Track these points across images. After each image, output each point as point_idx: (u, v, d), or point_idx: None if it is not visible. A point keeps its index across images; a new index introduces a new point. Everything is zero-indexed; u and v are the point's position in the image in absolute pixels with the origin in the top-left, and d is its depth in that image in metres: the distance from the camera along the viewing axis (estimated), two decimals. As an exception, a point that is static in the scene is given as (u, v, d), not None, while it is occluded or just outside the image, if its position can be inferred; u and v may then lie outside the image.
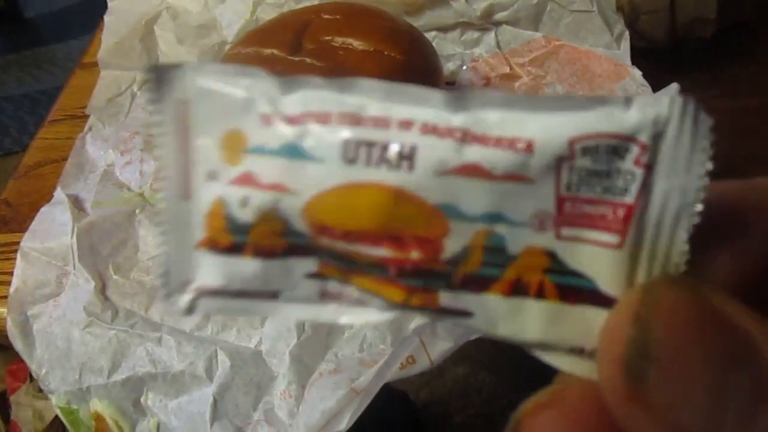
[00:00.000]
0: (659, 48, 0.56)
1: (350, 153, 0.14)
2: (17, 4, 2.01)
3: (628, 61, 0.47)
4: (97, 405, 0.38)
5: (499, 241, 0.14)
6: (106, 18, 0.58)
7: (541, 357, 0.15)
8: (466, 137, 0.14)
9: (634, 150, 0.13)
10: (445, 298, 0.15)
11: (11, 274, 0.42)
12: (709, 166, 0.13)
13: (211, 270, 0.16)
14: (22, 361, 0.94)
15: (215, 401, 0.37)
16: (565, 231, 0.14)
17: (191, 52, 0.58)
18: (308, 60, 0.41)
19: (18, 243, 0.43)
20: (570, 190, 0.14)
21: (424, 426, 0.98)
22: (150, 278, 0.41)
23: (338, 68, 0.40)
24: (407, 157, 0.14)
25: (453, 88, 0.53)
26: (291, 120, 0.15)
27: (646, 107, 0.13)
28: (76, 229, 0.42)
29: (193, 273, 0.16)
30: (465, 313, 0.15)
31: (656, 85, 0.45)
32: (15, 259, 0.42)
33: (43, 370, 0.39)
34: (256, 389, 0.37)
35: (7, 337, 0.41)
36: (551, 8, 0.54)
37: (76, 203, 0.45)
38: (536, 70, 0.51)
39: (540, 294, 0.14)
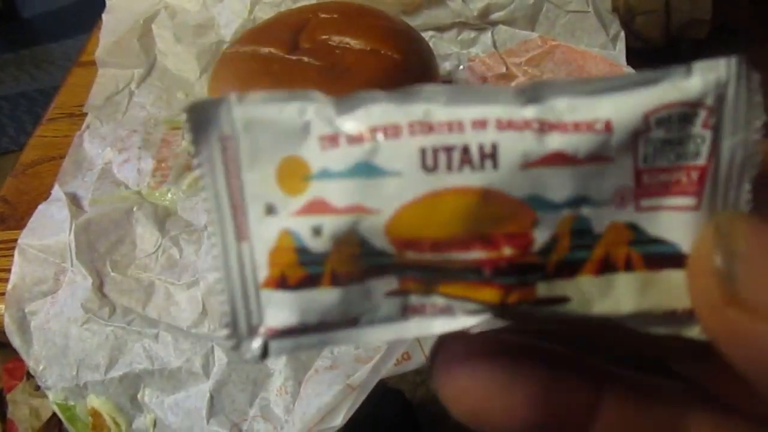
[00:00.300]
0: (655, 48, 0.57)
1: (429, 161, 0.14)
2: (15, 4, 2.01)
3: (623, 61, 0.47)
4: (94, 401, 0.39)
5: (584, 223, 0.15)
6: (104, 16, 0.59)
7: (637, 328, 0.15)
8: (544, 126, 0.14)
9: (702, 114, 0.14)
10: (542, 289, 0.15)
11: (9, 271, 0.42)
12: (764, 118, 0.14)
13: (282, 308, 0.15)
14: (18, 359, 0.94)
15: (212, 397, 0.37)
16: (644, 202, 0.15)
17: (189, 51, 0.58)
18: (305, 59, 0.41)
19: (16, 240, 0.43)
20: (647, 162, 0.14)
21: (421, 425, 0.99)
22: (147, 275, 0.42)
23: (335, 67, 0.41)
24: (490, 155, 0.14)
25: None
26: (356, 138, 0.14)
27: (706, 72, 0.14)
28: (73, 226, 0.42)
29: (261, 315, 0.15)
30: (561, 300, 0.15)
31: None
32: (13, 256, 0.42)
33: (41, 367, 0.39)
34: (253, 385, 0.38)
35: (4, 334, 0.41)
36: (547, 8, 0.54)
37: (74, 201, 0.45)
38: (532, 70, 0.52)
39: (628, 266, 0.15)
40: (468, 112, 0.14)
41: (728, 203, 0.15)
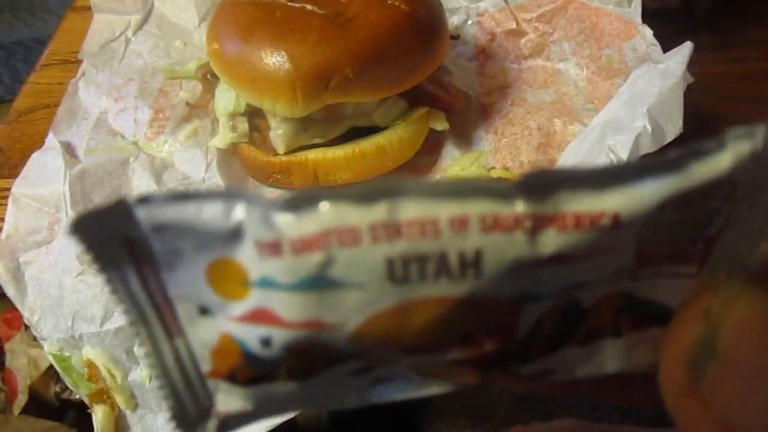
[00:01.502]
0: (670, 9, 0.55)
1: (398, 272, 0.11)
2: (9, -53, 1.94)
3: (638, 19, 0.45)
4: (90, 352, 0.38)
5: (574, 303, 0.13)
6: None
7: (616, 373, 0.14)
8: (538, 224, 0.11)
9: (724, 189, 0.12)
10: (525, 370, 0.14)
11: (2, 220, 0.41)
12: None
13: (233, 396, 0.13)
14: (16, 309, 0.94)
15: (208, 352, 0.37)
16: (642, 272, 0.13)
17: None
18: (308, 7, 0.40)
19: (9, 189, 0.42)
20: (651, 241, 0.12)
21: (417, 415, 0.99)
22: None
23: (339, 16, 0.39)
24: (472, 263, 0.11)
25: (457, 42, 0.52)
26: (303, 246, 0.11)
27: (739, 145, 0.12)
28: (68, 176, 0.41)
29: (210, 399, 0.14)
30: (544, 373, 0.14)
31: (668, 48, 0.44)
32: (6, 204, 0.42)
33: (36, 317, 0.39)
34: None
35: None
36: (562, -38, 0.52)
37: (69, 150, 0.44)
38: (543, 26, 0.50)
39: (616, 332, 0.13)
40: (445, 208, 0.11)
41: (734, 268, 0.12)
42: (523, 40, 0.50)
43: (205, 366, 0.13)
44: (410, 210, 0.11)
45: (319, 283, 0.12)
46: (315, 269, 0.11)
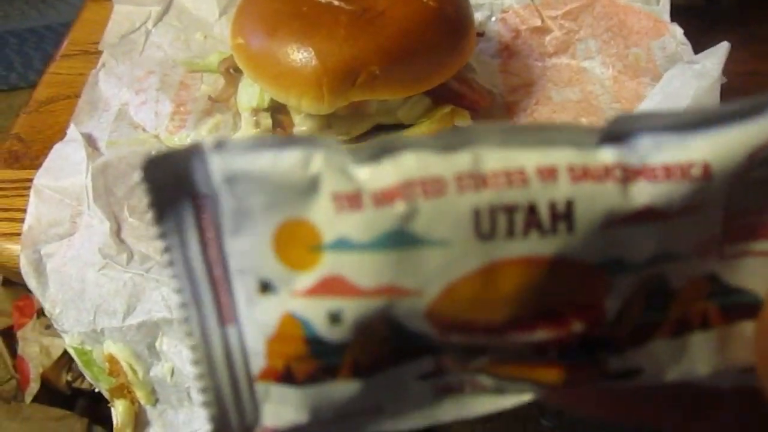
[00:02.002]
0: (697, 4, 0.54)
1: (485, 226, 0.11)
2: (22, -67, 1.94)
3: (667, 17, 0.45)
4: (111, 347, 0.38)
5: (662, 282, 0.12)
6: (120, -51, 0.56)
7: (708, 383, 0.13)
8: (628, 174, 0.11)
9: None
10: (613, 364, 0.12)
11: (24, 210, 0.41)
12: None
13: (285, 405, 0.12)
14: (28, 297, 0.95)
15: (231, 349, 0.37)
16: (729, 249, 0.12)
17: (209, -11, 0.55)
18: (336, 2, 0.39)
19: (30, 180, 0.42)
20: (738, 205, 0.12)
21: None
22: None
23: (367, 12, 0.39)
24: (564, 215, 0.11)
25: (480, 39, 0.51)
26: (386, 197, 0.11)
27: None
28: (90, 168, 0.41)
29: (256, 413, 0.12)
30: (633, 372, 0.13)
31: (695, 45, 0.43)
32: (27, 196, 0.41)
33: (57, 310, 0.39)
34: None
35: (17, 274, 0.40)
36: (588, -41, 0.51)
37: (90, 142, 0.44)
38: (569, 23, 0.49)
39: (704, 323, 0.13)
40: (530, 157, 0.11)
41: None
42: (547, 38, 0.50)
43: (257, 363, 0.12)
44: (495, 160, 0.11)
45: (399, 239, 0.11)
46: (397, 222, 0.11)
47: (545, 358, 0.12)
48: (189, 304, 0.12)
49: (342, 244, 0.11)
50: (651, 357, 0.13)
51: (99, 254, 0.39)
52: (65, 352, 0.93)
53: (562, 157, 0.11)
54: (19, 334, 0.94)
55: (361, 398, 0.12)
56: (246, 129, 0.42)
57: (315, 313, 0.11)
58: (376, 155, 0.11)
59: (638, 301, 0.12)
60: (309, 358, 0.12)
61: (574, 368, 0.12)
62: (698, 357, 0.13)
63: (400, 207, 0.11)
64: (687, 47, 0.43)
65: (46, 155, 0.43)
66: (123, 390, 0.39)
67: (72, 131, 0.44)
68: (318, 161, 0.11)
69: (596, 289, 0.12)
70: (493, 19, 0.52)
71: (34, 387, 0.90)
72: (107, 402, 0.41)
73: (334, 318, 0.11)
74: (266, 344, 0.12)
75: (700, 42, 0.43)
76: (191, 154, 0.11)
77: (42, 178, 0.41)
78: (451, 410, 0.13)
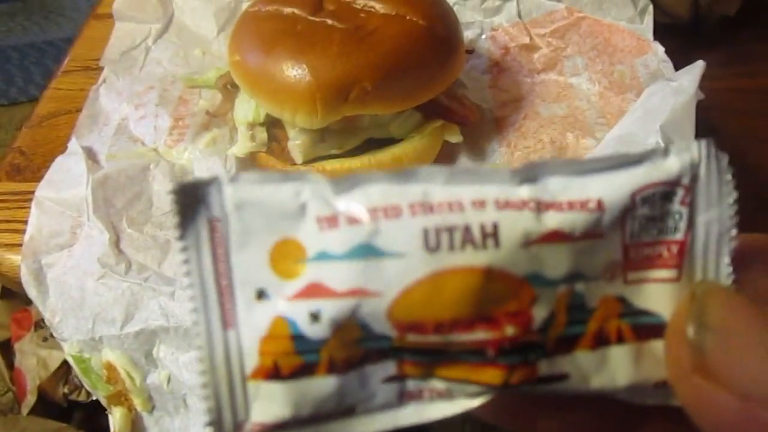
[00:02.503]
0: (682, 24, 0.56)
1: (432, 241, 0.14)
2: (24, -49, 1.97)
3: (650, 36, 0.46)
4: (109, 355, 0.39)
5: (578, 298, 0.15)
6: (121, -32, 0.57)
7: (628, 400, 0.16)
8: (540, 206, 0.14)
9: (680, 192, 0.15)
10: (544, 367, 0.15)
11: (25, 222, 0.42)
12: (735, 195, 0.15)
13: (271, 401, 0.14)
14: (26, 309, 0.95)
15: (226, 356, 0.38)
16: (631, 275, 0.15)
17: (207, 8, 0.57)
18: (329, 21, 0.41)
19: (32, 192, 0.43)
20: (633, 238, 0.15)
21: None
22: (163, 233, 0.42)
23: (359, 30, 0.40)
24: (491, 234, 0.14)
25: (471, 56, 0.52)
26: (356, 219, 0.14)
27: (682, 153, 0.15)
28: (90, 180, 0.42)
29: (247, 410, 0.14)
30: (561, 377, 0.15)
31: (678, 63, 0.45)
32: (29, 207, 0.42)
33: (57, 319, 0.40)
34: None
35: (18, 283, 0.41)
36: (575, -21, 0.53)
37: (90, 155, 0.45)
38: (557, 41, 0.51)
39: (620, 339, 0.15)
40: (466, 192, 0.14)
41: (708, 275, 0.15)
42: (536, 55, 0.51)
43: (251, 363, 0.14)
44: (440, 194, 0.14)
45: (366, 251, 0.14)
46: (364, 237, 0.14)
47: (486, 358, 0.14)
48: (199, 309, 0.14)
49: (322, 256, 0.14)
50: (576, 366, 0.15)
51: (98, 264, 0.40)
52: (62, 365, 0.93)
53: (490, 192, 0.14)
54: (17, 346, 0.94)
55: (336, 396, 0.14)
56: (242, 143, 0.44)
57: (299, 313, 0.14)
58: (350, 187, 0.14)
59: (561, 315, 0.15)
60: (293, 355, 0.14)
61: (511, 369, 0.15)
62: (617, 369, 0.15)
63: (367, 226, 0.14)
64: (668, 64, 0.44)
65: (47, 168, 0.44)
66: (120, 397, 0.40)
67: (73, 145, 0.46)
68: (306, 192, 0.14)
69: (523, 298, 0.14)
70: (483, 36, 0.53)
71: (30, 399, 0.90)
72: (104, 414, 0.42)
73: (315, 317, 0.14)
74: (259, 344, 0.14)
75: (683, 60, 0.44)
76: (211, 183, 0.14)
77: (43, 190, 0.43)
78: (412, 415, 0.15)
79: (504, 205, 0.14)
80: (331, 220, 0.14)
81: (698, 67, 0.37)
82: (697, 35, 0.57)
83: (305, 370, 0.14)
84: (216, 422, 0.14)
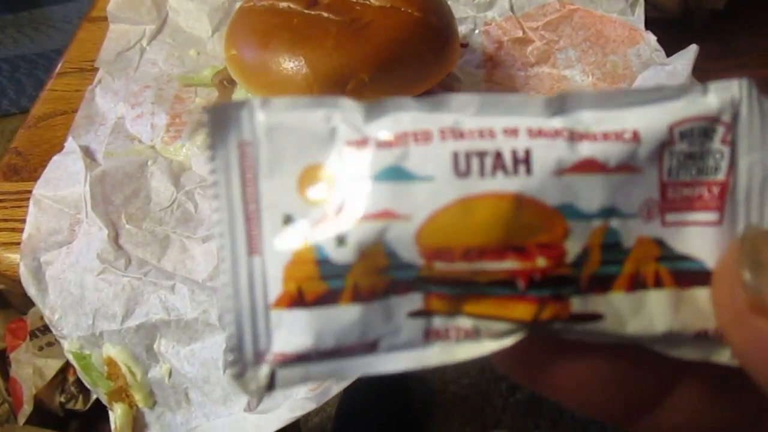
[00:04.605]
0: (671, 18, 0.56)
1: (461, 165, 0.14)
2: (14, -36, 1.97)
3: (642, 26, 0.47)
4: (110, 350, 0.39)
5: (614, 236, 0.14)
6: (115, -29, 0.58)
7: (665, 352, 0.15)
8: (574, 136, 0.14)
9: (720, 130, 0.14)
10: (576, 304, 0.14)
11: (23, 221, 0.42)
12: None
13: (294, 330, 0.14)
14: (21, 319, 0.94)
15: (228, 348, 0.38)
16: (670, 217, 0.15)
17: (201, 9, 0.57)
18: (325, 14, 0.41)
19: (29, 192, 0.43)
20: (671, 176, 0.15)
21: (414, 400, 1.00)
22: (162, 229, 0.42)
23: (354, 23, 0.40)
24: (523, 160, 0.14)
25: (465, 51, 0.53)
26: (386, 143, 0.14)
27: (721, 91, 0.14)
28: (89, 177, 0.42)
29: (269, 339, 0.14)
30: (595, 317, 0.14)
31: (668, 55, 0.45)
32: (27, 207, 0.42)
33: (56, 316, 0.40)
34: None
35: (17, 282, 0.41)
36: (566, -27, 0.53)
37: (88, 153, 0.45)
38: (549, 34, 0.51)
39: (658, 283, 0.15)
40: (498, 122, 0.14)
41: (751, 220, 0.15)
42: (529, 48, 0.52)
43: (274, 291, 0.14)
44: (471, 122, 0.14)
45: (395, 174, 0.14)
46: (393, 160, 0.14)
47: (515, 291, 0.14)
48: (225, 234, 0.14)
49: (351, 180, 0.14)
50: (611, 307, 0.14)
51: (98, 260, 0.40)
52: (58, 374, 0.92)
53: (522, 121, 0.14)
54: (12, 356, 0.93)
55: (359, 326, 0.14)
56: (240, 138, 0.44)
57: (325, 236, 0.14)
58: (380, 114, 0.14)
59: (595, 252, 0.14)
60: (318, 280, 0.14)
61: (542, 303, 0.14)
62: (654, 314, 0.15)
63: (396, 150, 0.14)
64: (661, 53, 0.45)
65: (44, 168, 0.44)
66: (121, 393, 0.40)
67: (70, 144, 0.45)
68: (337, 117, 0.14)
69: (556, 231, 0.14)
70: (477, 31, 0.54)
71: (27, 409, 0.89)
72: (101, 422, 0.42)
73: (341, 240, 0.14)
74: (284, 270, 0.14)
75: (673, 54, 0.45)
76: (242, 107, 0.14)
77: (41, 189, 0.43)
78: (438, 355, 0.14)
79: (537, 133, 0.14)
80: (360, 144, 0.14)
81: (691, 50, 0.38)
82: (687, 29, 0.58)
83: (330, 297, 0.14)
84: (236, 348, 0.14)
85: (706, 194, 0.15)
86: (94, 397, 0.90)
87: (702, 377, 0.16)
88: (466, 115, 0.14)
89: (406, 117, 0.14)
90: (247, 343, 0.14)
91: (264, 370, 0.14)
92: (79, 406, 0.91)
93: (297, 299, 0.14)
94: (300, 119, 0.14)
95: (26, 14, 1.86)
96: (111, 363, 0.39)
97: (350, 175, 0.14)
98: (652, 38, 0.46)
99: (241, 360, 0.14)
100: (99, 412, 0.86)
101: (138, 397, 0.39)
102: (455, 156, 0.14)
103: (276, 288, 0.14)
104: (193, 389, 0.38)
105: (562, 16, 0.51)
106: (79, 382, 0.90)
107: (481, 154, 0.14)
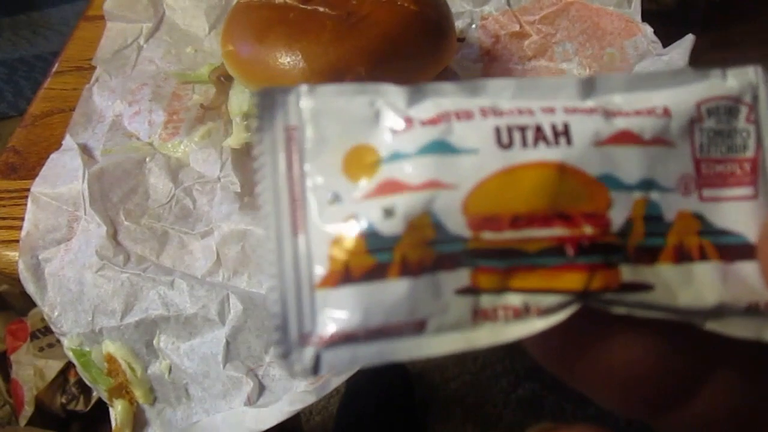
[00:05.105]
0: (667, 10, 0.56)
1: (504, 138, 0.14)
2: (11, -33, 1.97)
3: (638, 18, 0.47)
4: (110, 347, 0.39)
5: (655, 209, 0.15)
6: (111, -31, 0.58)
7: (714, 328, 0.15)
8: (608, 112, 0.15)
9: (744, 110, 0.15)
10: (627, 273, 0.14)
11: (22, 219, 0.42)
12: None
13: (341, 308, 0.14)
14: (21, 321, 0.94)
15: (228, 343, 0.38)
16: (706, 192, 0.15)
17: (198, 6, 0.57)
18: (321, 9, 0.41)
19: (27, 190, 0.43)
20: (702, 152, 0.15)
21: (417, 393, 1.00)
22: (161, 225, 0.42)
23: (350, 17, 0.40)
24: (563, 132, 0.14)
25: (462, 45, 0.53)
26: (429, 121, 0.14)
27: (739, 76, 0.15)
28: (87, 174, 0.42)
29: (313, 321, 0.14)
30: (646, 287, 0.14)
31: (665, 47, 0.45)
32: (25, 204, 0.42)
33: (56, 313, 0.40)
34: (268, 333, 0.38)
35: (16, 280, 0.41)
36: (562, -34, 0.53)
37: (86, 151, 0.45)
38: (546, 28, 0.51)
39: (703, 256, 0.15)
40: (535, 103, 0.15)
41: None
42: (526, 42, 0.52)
43: (320, 270, 0.14)
44: (508, 104, 0.15)
45: (440, 147, 0.14)
46: (437, 134, 0.14)
47: (565, 259, 0.14)
48: (270, 215, 0.14)
49: (396, 156, 0.14)
50: (660, 278, 0.15)
51: (96, 256, 0.40)
52: (59, 374, 0.92)
53: (558, 102, 0.15)
54: (13, 357, 0.93)
55: (408, 303, 0.14)
56: (237, 133, 0.44)
57: (372, 210, 0.14)
58: (422, 98, 0.15)
59: (638, 223, 0.15)
60: (366, 254, 0.14)
61: (591, 270, 0.14)
62: (704, 285, 0.15)
63: (440, 126, 0.14)
64: (658, 45, 0.45)
65: (42, 166, 0.44)
66: (121, 390, 0.40)
67: (68, 141, 0.46)
68: (380, 102, 0.15)
69: (599, 200, 0.14)
70: (473, 26, 0.54)
71: (28, 410, 0.89)
72: (102, 423, 0.42)
73: (388, 212, 0.14)
74: (329, 247, 0.14)
75: (670, 45, 0.45)
76: (289, 92, 0.15)
77: (39, 186, 0.43)
78: (487, 336, 0.14)
79: (573, 110, 0.15)
80: (405, 124, 0.14)
81: (688, 40, 0.38)
82: (685, 21, 0.58)
83: (378, 271, 0.14)
84: (281, 329, 0.14)
85: (738, 171, 0.15)
86: (95, 397, 0.90)
87: (740, 367, 0.16)
88: (504, 98, 0.15)
89: (446, 100, 0.14)
90: (292, 325, 0.14)
91: (309, 353, 0.14)
92: (80, 406, 0.91)
93: (344, 275, 0.14)
94: (344, 104, 0.14)
95: (24, 17, 1.86)
96: (111, 359, 0.39)
97: (395, 153, 0.14)
98: (648, 30, 0.46)
99: (286, 341, 0.14)
100: (100, 412, 0.86)
101: (138, 394, 0.39)
102: (497, 130, 0.14)
103: (321, 267, 0.14)
104: (193, 384, 0.38)
105: (559, 9, 0.51)
106: (80, 383, 0.89)
107: (522, 128, 0.14)
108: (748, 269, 0.15)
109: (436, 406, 1.04)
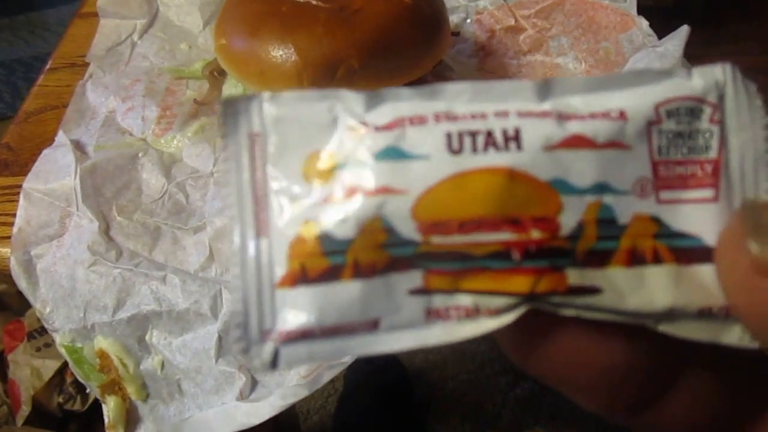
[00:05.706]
0: (665, 6, 0.56)
1: (455, 144, 0.14)
2: (9, -32, 1.97)
3: (634, 11, 0.47)
4: (102, 342, 0.39)
5: (609, 212, 0.15)
6: (105, -35, 0.57)
7: (667, 331, 0.15)
8: (562, 117, 0.15)
9: (707, 110, 0.15)
10: (573, 276, 0.14)
11: (14, 215, 0.42)
12: (767, 119, 0.15)
13: (298, 307, 0.14)
14: (19, 321, 0.94)
15: (220, 338, 0.37)
16: (664, 194, 0.15)
17: (192, 2, 0.57)
18: (314, 2, 0.41)
19: (20, 186, 0.43)
20: (661, 154, 0.15)
21: (415, 391, 1.00)
22: (153, 220, 0.41)
23: (344, 10, 0.40)
24: (513, 137, 0.14)
25: (457, 40, 0.53)
26: (383, 127, 0.15)
27: (705, 74, 0.15)
28: (79, 170, 0.42)
29: (273, 318, 0.14)
30: (593, 290, 0.14)
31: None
32: (17, 201, 0.42)
33: (48, 309, 0.39)
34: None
35: (7, 276, 0.41)
36: (557, -39, 0.53)
37: (78, 147, 0.45)
38: (541, 22, 0.51)
39: (657, 259, 0.15)
40: (489, 107, 0.15)
41: (747, 196, 0.15)
42: (521, 36, 0.52)
43: (280, 270, 0.15)
44: (463, 108, 0.15)
45: (393, 153, 0.14)
46: (391, 141, 0.14)
47: (511, 263, 0.14)
48: (235, 218, 0.15)
49: (351, 162, 0.15)
50: (609, 281, 0.14)
51: (88, 252, 0.39)
52: (56, 374, 0.92)
53: (512, 105, 0.15)
54: (10, 357, 0.93)
55: (360, 303, 0.14)
56: (231, 128, 0.43)
57: (328, 213, 0.14)
58: (379, 102, 0.15)
59: (590, 227, 0.14)
60: (321, 256, 0.14)
61: (538, 274, 0.14)
62: (655, 289, 0.14)
63: (393, 132, 0.15)
64: (653, 38, 0.45)
65: (35, 162, 0.44)
66: (114, 386, 0.39)
67: (60, 137, 0.45)
68: (339, 107, 0.15)
69: (549, 205, 0.14)
70: (469, 20, 0.54)
71: (25, 410, 0.89)
72: (100, 423, 0.41)
73: (342, 216, 0.14)
74: (288, 248, 0.14)
75: (665, 37, 0.44)
76: (252, 100, 0.15)
77: (31, 182, 0.42)
78: (439, 335, 0.14)
79: (526, 114, 0.14)
80: (359, 130, 0.15)
81: (683, 31, 0.38)
82: (682, 17, 0.58)
83: (332, 273, 0.14)
84: (242, 326, 0.14)
85: (699, 172, 0.15)
86: (92, 397, 0.90)
87: (708, 368, 0.16)
88: (460, 102, 0.15)
89: (403, 105, 0.15)
90: (252, 321, 0.14)
91: (268, 348, 0.14)
92: (77, 406, 0.91)
93: (300, 276, 0.14)
94: (305, 110, 0.15)
95: (22, 17, 1.86)
96: (103, 355, 0.39)
97: (351, 158, 0.15)
98: (644, 23, 0.45)
99: (247, 337, 0.14)
100: (97, 412, 0.86)
101: (131, 390, 0.39)
102: (449, 136, 0.14)
103: (281, 268, 0.14)
104: (185, 380, 0.38)
105: (554, 3, 0.51)
106: (77, 383, 0.89)
107: (473, 134, 0.14)
108: (703, 272, 0.15)
109: (435, 405, 1.03)
